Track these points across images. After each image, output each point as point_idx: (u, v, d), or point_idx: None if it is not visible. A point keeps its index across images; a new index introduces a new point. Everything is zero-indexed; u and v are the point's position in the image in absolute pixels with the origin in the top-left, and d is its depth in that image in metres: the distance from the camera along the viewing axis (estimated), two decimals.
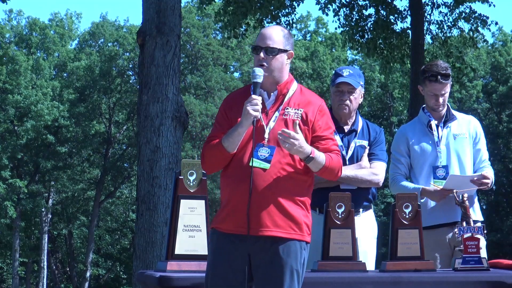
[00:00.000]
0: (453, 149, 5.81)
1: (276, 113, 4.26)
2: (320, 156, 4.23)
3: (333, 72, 5.72)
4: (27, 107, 36.88)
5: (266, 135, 4.21)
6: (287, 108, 4.27)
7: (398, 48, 18.10)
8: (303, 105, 4.30)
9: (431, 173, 5.78)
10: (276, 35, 4.30)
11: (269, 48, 4.26)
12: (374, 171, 5.53)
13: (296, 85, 4.37)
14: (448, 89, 5.83)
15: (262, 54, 4.26)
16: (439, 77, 5.75)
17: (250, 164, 4.15)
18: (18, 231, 37.71)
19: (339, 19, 18.20)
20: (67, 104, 38.19)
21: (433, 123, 5.83)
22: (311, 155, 4.19)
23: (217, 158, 4.23)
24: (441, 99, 5.80)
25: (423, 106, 5.97)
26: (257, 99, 4.17)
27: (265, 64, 4.26)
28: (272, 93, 4.31)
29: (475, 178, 5.67)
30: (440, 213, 5.70)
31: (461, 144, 5.84)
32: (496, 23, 18.27)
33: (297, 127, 4.19)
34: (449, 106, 5.93)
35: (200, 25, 39.42)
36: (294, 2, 17.77)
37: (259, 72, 4.23)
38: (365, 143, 5.60)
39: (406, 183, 5.82)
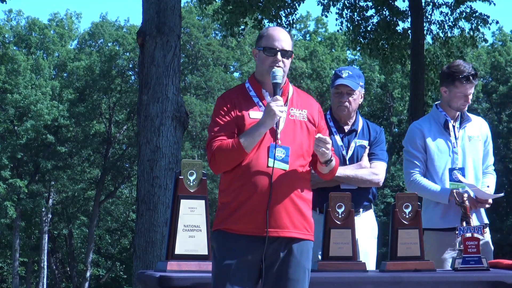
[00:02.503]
0: (469, 151, 5.78)
1: (283, 114, 4.26)
2: (334, 159, 4.35)
3: (333, 72, 5.72)
4: (27, 106, 36.87)
5: (279, 136, 4.21)
6: (292, 109, 4.30)
7: (399, 49, 18.10)
8: (304, 106, 4.34)
9: (442, 173, 5.72)
10: (287, 37, 4.33)
11: (284, 50, 4.28)
12: (374, 171, 5.53)
13: (291, 86, 4.41)
14: (473, 89, 5.81)
15: (279, 56, 4.27)
16: (471, 77, 5.74)
17: (271, 165, 4.14)
18: (18, 231, 37.71)
19: (341, 22, 18.22)
20: (67, 104, 38.19)
21: (450, 123, 5.80)
22: (331, 157, 4.29)
23: (233, 158, 4.16)
24: (469, 99, 5.78)
25: (437, 103, 5.91)
26: (281, 99, 4.18)
27: (281, 66, 4.26)
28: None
29: (477, 200, 5.68)
30: (456, 217, 5.64)
31: (475, 147, 5.81)
32: (497, 22, 18.27)
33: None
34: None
35: (200, 25, 39.42)
36: (295, 2, 17.77)
37: (279, 73, 4.23)
38: (365, 143, 5.61)
39: (429, 184, 5.70)
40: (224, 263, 4.16)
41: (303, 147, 4.26)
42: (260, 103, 4.29)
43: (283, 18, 17.78)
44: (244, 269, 4.15)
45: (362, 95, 5.68)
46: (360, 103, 5.67)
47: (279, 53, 4.26)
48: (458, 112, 5.84)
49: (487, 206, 5.69)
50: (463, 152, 5.77)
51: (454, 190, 5.44)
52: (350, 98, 5.56)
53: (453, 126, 5.81)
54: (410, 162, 5.78)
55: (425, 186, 5.69)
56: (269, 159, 4.15)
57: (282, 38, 4.29)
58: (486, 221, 5.85)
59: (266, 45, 4.28)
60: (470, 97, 5.80)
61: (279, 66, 4.25)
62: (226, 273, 4.15)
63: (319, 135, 4.22)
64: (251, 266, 4.16)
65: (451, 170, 5.71)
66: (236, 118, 4.23)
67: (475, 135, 5.84)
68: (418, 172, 5.74)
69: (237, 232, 4.17)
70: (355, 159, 5.55)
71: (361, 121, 5.68)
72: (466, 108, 5.85)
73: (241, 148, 4.13)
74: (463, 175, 5.69)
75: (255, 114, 4.24)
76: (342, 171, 5.45)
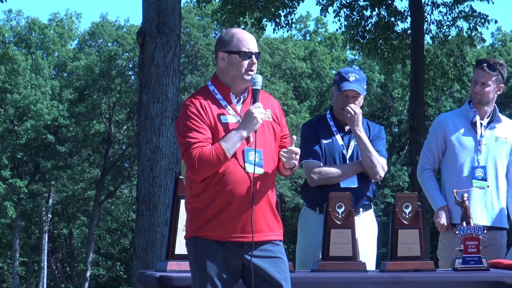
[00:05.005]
0: (492, 151, 5.79)
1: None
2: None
3: (337, 72, 5.68)
4: (27, 106, 36.88)
5: (252, 139, 4.18)
6: None
7: (399, 49, 18.09)
8: (268, 106, 4.29)
9: (462, 170, 5.76)
10: (255, 40, 4.28)
11: (257, 53, 4.25)
12: None
13: None
14: (491, 83, 5.75)
15: (255, 59, 4.22)
16: (484, 64, 5.74)
17: (250, 170, 4.11)
18: (18, 231, 37.72)
19: (339, 20, 18.22)
20: (67, 104, 38.20)
21: (478, 121, 5.81)
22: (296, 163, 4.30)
23: (216, 166, 4.08)
24: (478, 87, 5.76)
25: (470, 100, 5.92)
26: (261, 105, 4.17)
27: (254, 70, 4.23)
28: (241, 96, 4.26)
29: None
30: (479, 215, 5.70)
31: (500, 148, 5.81)
32: (496, 21, 18.27)
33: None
34: (496, 107, 5.89)
35: (200, 25, 39.41)
36: (294, 2, 17.77)
37: (260, 79, 4.20)
38: None
39: (433, 187, 5.85)
40: (206, 270, 4.11)
41: (272, 148, 4.25)
42: (229, 107, 4.21)
43: (283, 18, 17.79)
44: (226, 274, 4.12)
45: (364, 96, 5.68)
46: (361, 104, 5.67)
47: (253, 56, 4.21)
48: (488, 111, 5.84)
49: None
50: (487, 152, 5.78)
51: (454, 190, 5.44)
52: (356, 102, 5.55)
53: (481, 124, 5.81)
54: (425, 154, 5.93)
55: (429, 186, 5.87)
56: (246, 164, 4.12)
57: (253, 41, 4.23)
58: (506, 225, 5.88)
59: (240, 49, 4.19)
60: (484, 89, 5.75)
61: (253, 70, 4.20)
62: (211, 280, 4.10)
63: (290, 148, 4.20)
64: (233, 272, 4.15)
65: (473, 169, 5.73)
66: (209, 122, 4.15)
67: (502, 137, 5.83)
68: (430, 167, 5.90)
69: (216, 239, 4.11)
70: (354, 158, 5.55)
71: None
72: (481, 99, 5.78)
73: (224, 154, 4.08)
74: (485, 174, 5.72)
75: (226, 118, 4.18)
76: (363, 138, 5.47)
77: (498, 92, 5.84)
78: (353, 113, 5.39)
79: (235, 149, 4.11)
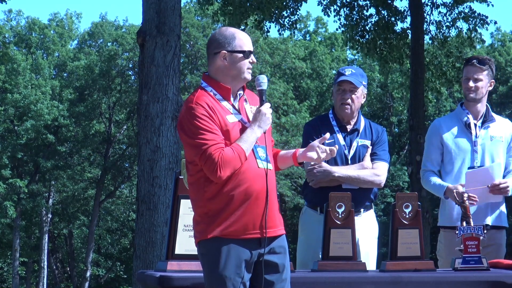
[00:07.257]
0: (488, 150, 5.79)
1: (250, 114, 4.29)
2: None
3: (335, 72, 5.72)
4: (27, 106, 36.88)
5: (265, 137, 4.24)
6: (252, 107, 4.30)
7: (398, 48, 18.10)
8: (256, 103, 4.32)
9: (460, 172, 5.76)
10: None
11: (252, 51, 4.28)
12: (376, 172, 5.52)
13: None
14: (483, 78, 5.79)
15: (254, 58, 4.27)
16: (474, 60, 5.78)
17: (263, 166, 4.16)
18: (18, 230, 37.72)
19: (339, 19, 18.21)
20: (67, 104, 38.20)
21: (472, 121, 5.82)
22: None
23: (237, 166, 4.10)
24: (471, 83, 5.77)
25: (462, 102, 5.95)
26: (269, 105, 4.24)
27: (251, 68, 4.27)
28: (238, 94, 4.29)
29: (492, 185, 5.68)
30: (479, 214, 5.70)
31: (496, 147, 5.82)
32: (495, 22, 18.28)
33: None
34: (489, 107, 5.91)
35: (200, 25, 39.40)
36: (297, 3, 17.77)
37: (264, 79, 4.25)
38: (367, 142, 5.60)
39: (433, 180, 5.83)
40: (226, 270, 4.09)
41: (271, 144, 4.33)
42: (230, 106, 4.22)
43: (286, 19, 17.78)
44: (244, 273, 4.12)
45: (365, 95, 5.66)
46: (362, 103, 5.66)
47: (252, 55, 4.26)
48: (481, 111, 5.85)
49: (506, 190, 5.72)
50: (483, 151, 5.78)
51: (454, 190, 5.44)
52: (353, 96, 5.54)
53: (475, 125, 5.82)
54: (424, 163, 5.96)
55: (428, 180, 5.86)
56: (258, 160, 4.17)
57: (250, 40, 4.27)
58: (505, 224, 5.87)
59: (243, 48, 4.22)
60: (477, 85, 5.78)
61: (250, 69, 4.23)
62: (229, 280, 4.09)
63: (333, 148, 4.32)
64: (248, 270, 4.15)
65: (470, 169, 5.73)
66: (218, 123, 4.15)
67: (497, 136, 5.84)
68: (427, 170, 5.89)
69: (236, 237, 4.11)
70: (357, 158, 5.55)
71: (363, 121, 5.67)
72: (475, 96, 5.80)
73: (245, 156, 4.12)
74: None
75: (230, 118, 4.19)
76: (344, 171, 5.45)
77: (490, 88, 5.87)
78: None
79: (251, 149, 4.16)
